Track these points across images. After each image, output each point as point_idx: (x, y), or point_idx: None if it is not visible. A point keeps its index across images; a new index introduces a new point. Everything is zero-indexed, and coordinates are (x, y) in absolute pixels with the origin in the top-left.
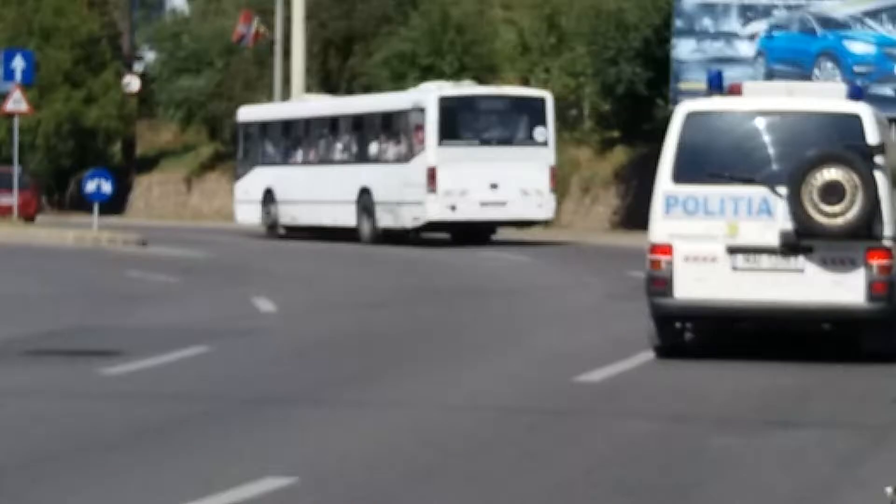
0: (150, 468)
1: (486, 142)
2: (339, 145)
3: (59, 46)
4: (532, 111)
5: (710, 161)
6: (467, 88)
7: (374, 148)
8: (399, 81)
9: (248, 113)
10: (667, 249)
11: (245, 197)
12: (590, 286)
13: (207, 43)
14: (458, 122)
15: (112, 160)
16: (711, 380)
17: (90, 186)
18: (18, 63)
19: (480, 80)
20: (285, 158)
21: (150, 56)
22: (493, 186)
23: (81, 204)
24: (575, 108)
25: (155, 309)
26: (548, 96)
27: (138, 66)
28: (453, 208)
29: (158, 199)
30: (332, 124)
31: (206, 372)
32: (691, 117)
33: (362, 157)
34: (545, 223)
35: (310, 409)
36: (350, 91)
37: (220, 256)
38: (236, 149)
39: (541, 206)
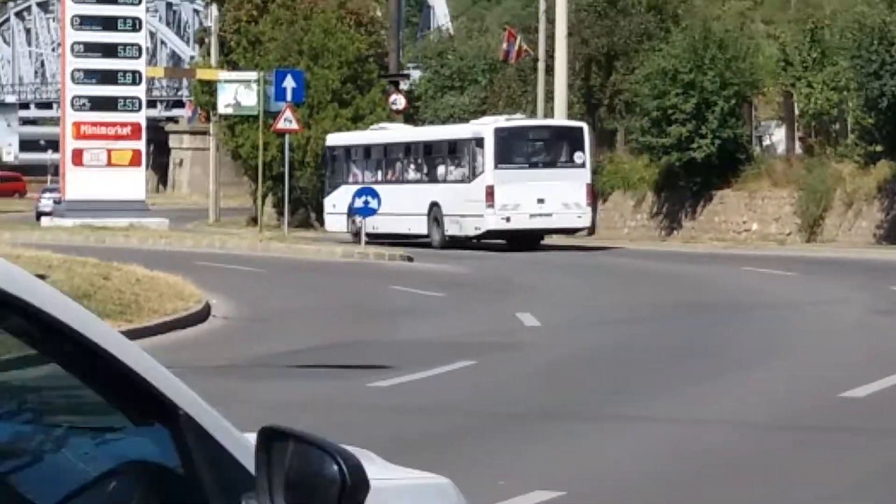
0: None
1: (534, 164)
2: (412, 167)
3: (327, 66)
4: (571, 138)
5: None
6: (518, 121)
7: (441, 170)
8: (661, 98)
9: (335, 139)
10: None
11: (333, 210)
12: (853, 301)
13: (472, 60)
14: (510, 149)
15: None
16: None
17: (358, 202)
18: (289, 83)
19: (742, 97)
20: (367, 177)
21: (415, 74)
22: (540, 201)
23: None
24: (837, 122)
25: (421, 323)
26: (585, 126)
27: (404, 84)
28: (508, 220)
29: None
30: (406, 150)
31: (473, 386)
32: None
33: (432, 177)
34: (584, 230)
35: (574, 424)
36: (612, 108)
37: (482, 271)
38: (324, 169)
39: (580, 217)
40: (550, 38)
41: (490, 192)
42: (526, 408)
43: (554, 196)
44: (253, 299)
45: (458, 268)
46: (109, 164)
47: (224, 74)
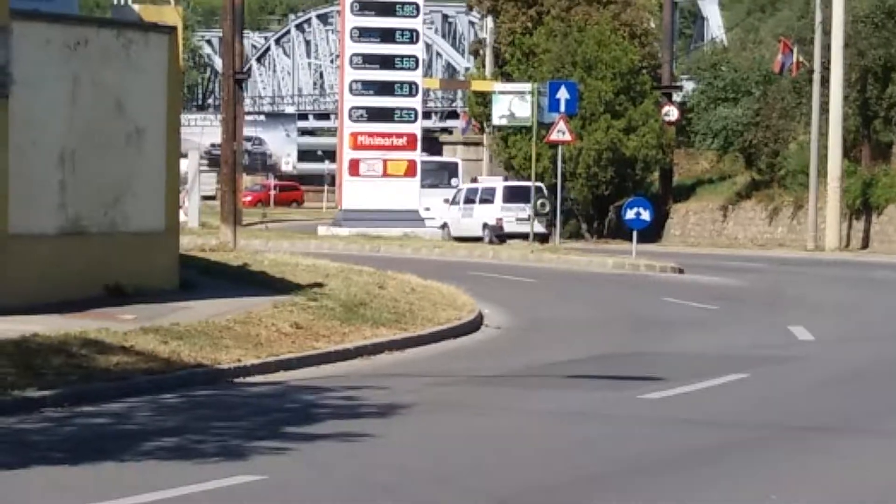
0: (690, 493)
1: (424, 185)
2: None
3: (601, 77)
4: (450, 169)
5: None
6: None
7: None
8: None
9: None
10: None
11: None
12: None
13: (746, 72)
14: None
15: (649, 188)
16: None
17: (629, 214)
18: (563, 94)
19: None
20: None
21: (688, 86)
22: (427, 209)
23: (619, 231)
24: None
25: (693, 335)
26: (459, 161)
27: (677, 96)
28: None
29: (694, 226)
30: None
31: (746, 399)
32: None
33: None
34: None
35: (850, 439)
36: (888, 120)
37: (754, 284)
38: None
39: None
40: (826, 49)
41: None
42: (800, 422)
43: (435, 205)
44: (525, 309)
45: (728, 280)
46: (385, 174)
47: (499, 86)
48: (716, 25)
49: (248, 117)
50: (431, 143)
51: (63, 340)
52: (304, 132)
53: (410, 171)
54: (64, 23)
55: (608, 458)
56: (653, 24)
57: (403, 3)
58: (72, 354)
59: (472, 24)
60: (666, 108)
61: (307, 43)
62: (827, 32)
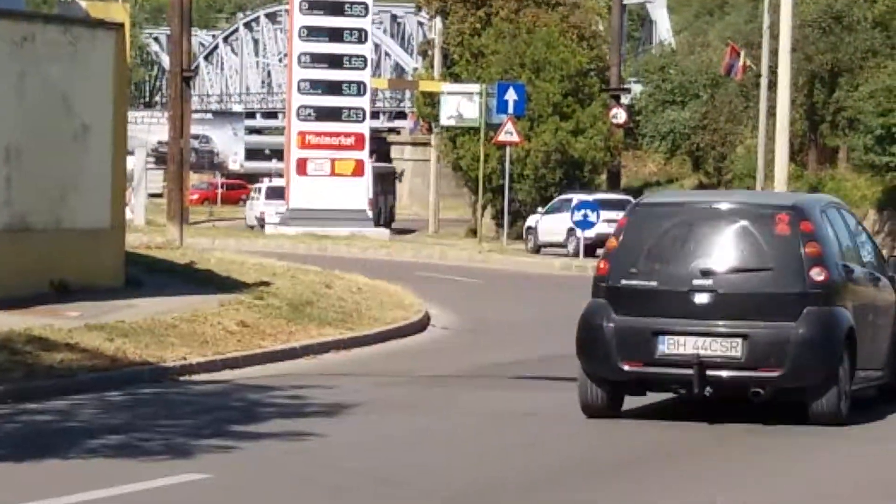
0: (641, 494)
1: None
2: None
3: (549, 79)
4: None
5: None
6: None
7: None
8: (885, 116)
9: None
10: None
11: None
12: None
13: (693, 75)
14: None
15: (597, 190)
16: None
17: (577, 216)
18: (511, 95)
19: None
20: None
21: (636, 88)
22: None
23: None
24: None
25: None
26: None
27: (625, 99)
28: None
29: None
30: None
31: (693, 404)
32: None
33: None
34: None
35: (796, 439)
36: (835, 124)
37: None
38: None
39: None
40: (773, 53)
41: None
42: (749, 423)
43: None
44: (472, 310)
45: None
46: (333, 173)
47: (447, 86)
48: (664, 29)
49: (195, 115)
50: (379, 143)
51: (7, 337)
52: (251, 131)
53: (358, 170)
54: (10, 18)
55: (555, 459)
56: (601, 27)
57: (352, 3)
58: (16, 351)
59: (420, 24)
60: (614, 111)
61: (255, 41)
62: (775, 37)
